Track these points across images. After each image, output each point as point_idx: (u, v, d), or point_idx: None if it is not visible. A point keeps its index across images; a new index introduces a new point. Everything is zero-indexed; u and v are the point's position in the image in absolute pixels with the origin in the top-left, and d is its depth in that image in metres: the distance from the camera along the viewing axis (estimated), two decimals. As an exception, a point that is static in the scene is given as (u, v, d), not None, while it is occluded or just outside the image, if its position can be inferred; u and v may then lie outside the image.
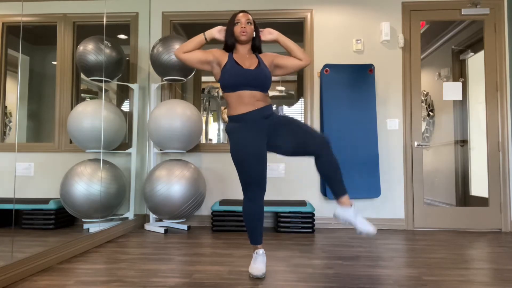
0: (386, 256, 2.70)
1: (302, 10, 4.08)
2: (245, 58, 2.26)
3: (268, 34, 2.31)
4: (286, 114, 2.28)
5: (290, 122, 2.25)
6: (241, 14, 2.25)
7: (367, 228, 2.15)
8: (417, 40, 3.98)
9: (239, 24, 2.23)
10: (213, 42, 2.37)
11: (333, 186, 2.21)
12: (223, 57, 2.25)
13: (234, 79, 2.18)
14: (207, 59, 2.24)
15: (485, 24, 3.95)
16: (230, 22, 2.27)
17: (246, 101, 2.19)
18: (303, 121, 2.28)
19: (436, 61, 4.18)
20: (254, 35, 2.29)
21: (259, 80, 2.19)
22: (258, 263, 2.22)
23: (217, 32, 2.29)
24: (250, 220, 2.22)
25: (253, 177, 2.16)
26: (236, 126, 2.21)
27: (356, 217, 2.18)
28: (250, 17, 2.26)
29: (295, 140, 2.20)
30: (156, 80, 4.15)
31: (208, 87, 6.10)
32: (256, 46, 2.32)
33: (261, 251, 2.26)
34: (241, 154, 2.16)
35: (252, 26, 2.26)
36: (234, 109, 2.22)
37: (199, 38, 2.26)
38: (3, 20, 2.94)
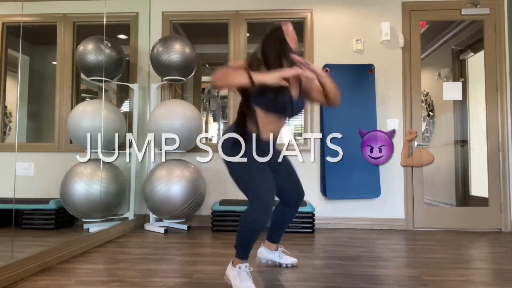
0: (386, 256, 2.70)
1: (302, 10, 4.08)
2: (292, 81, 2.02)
3: (310, 72, 1.88)
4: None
5: (290, 166, 2.27)
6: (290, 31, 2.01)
7: (290, 260, 2.40)
8: (417, 40, 3.98)
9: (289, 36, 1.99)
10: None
11: (275, 233, 2.35)
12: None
13: (276, 106, 1.97)
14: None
15: (485, 24, 3.95)
16: (279, 46, 1.97)
17: (269, 126, 2.06)
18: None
19: (436, 61, 4.18)
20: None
21: (296, 112, 2.09)
22: (248, 281, 1.92)
23: (275, 79, 1.81)
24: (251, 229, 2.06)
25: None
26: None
27: (281, 257, 2.37)
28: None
29: (284, 180, 2.21)
30: (156, 80, 4.15)
31: (208, 87, 6.10)
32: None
33: (247, 265, 1.98)
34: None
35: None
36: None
37: (243, 80, 1.80)
38: (3, 20, 2.94)
